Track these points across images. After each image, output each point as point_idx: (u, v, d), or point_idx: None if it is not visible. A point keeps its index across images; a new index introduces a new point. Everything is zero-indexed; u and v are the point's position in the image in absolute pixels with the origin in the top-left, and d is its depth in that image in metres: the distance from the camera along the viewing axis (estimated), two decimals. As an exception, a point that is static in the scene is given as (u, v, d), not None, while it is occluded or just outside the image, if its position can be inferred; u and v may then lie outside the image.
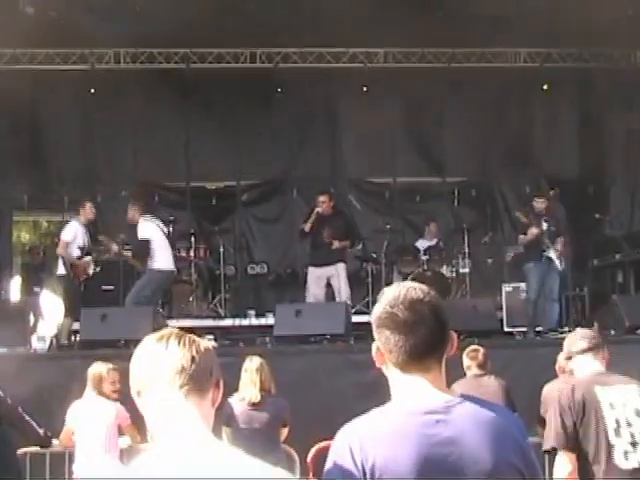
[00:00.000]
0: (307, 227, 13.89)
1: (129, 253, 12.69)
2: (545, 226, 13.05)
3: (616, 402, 5.04)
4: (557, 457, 5.09)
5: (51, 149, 16.75)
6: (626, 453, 4.97)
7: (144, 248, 12.59)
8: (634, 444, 5.00)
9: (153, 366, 2.45)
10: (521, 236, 13.46)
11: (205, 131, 16.72)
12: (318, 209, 13.80)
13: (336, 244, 13.73)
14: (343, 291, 13.82)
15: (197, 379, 2.44)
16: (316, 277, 13.97)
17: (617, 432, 4.99)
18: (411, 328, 2.68)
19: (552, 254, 12.99)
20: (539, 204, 13.41)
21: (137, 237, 12.70)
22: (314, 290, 13.91)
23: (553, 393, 7.90)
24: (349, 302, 13.41)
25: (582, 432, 4.96)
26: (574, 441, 4.96)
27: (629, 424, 5.01)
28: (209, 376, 2.48)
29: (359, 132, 16.82)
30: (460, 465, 2.58)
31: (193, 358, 2.44)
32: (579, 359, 5.41)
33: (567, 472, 5.00)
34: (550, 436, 5.08)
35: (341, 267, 13.92)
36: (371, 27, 14.62)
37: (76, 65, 16.06)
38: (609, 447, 4.90)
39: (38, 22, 13.38)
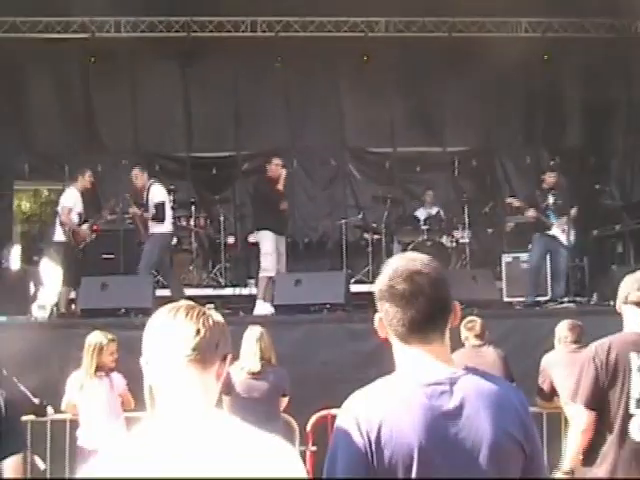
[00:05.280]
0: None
1: (149, 215, 12.70)
2: (552, 199, 12.95)
3: None
4: (576, 410, 4.97)
5: (51, 118, 16.70)
6: None
7: (161, 211, 12.72)
8: None
9: (160, 336, 2.51)
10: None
11: (205, 100, 16.68)
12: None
13: None
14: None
15: (200, 351, 2.47)
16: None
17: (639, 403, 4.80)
18: (408, 300, 2.70)
19: (555, 231, 12.91)
20: (551, 178, 13.26)
21: (149, 201, 12.79)
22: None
23: (551, 363, 7.98)
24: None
25: (607, 394, 4.81)
26: (598, 401, 4.84)
27: None
28: (214, 349, 2.52)
29: (359, 102, 16.80)
30: (462, 436, 2.61)
31: (198, 330, 2.48)
32: (630, 309, 5.08)
33: (581, 431, 4.93)
34: (577, 391, 4.94)
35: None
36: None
37: (76, 34, 15.98)
38: (627, 416, 4.75)
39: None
